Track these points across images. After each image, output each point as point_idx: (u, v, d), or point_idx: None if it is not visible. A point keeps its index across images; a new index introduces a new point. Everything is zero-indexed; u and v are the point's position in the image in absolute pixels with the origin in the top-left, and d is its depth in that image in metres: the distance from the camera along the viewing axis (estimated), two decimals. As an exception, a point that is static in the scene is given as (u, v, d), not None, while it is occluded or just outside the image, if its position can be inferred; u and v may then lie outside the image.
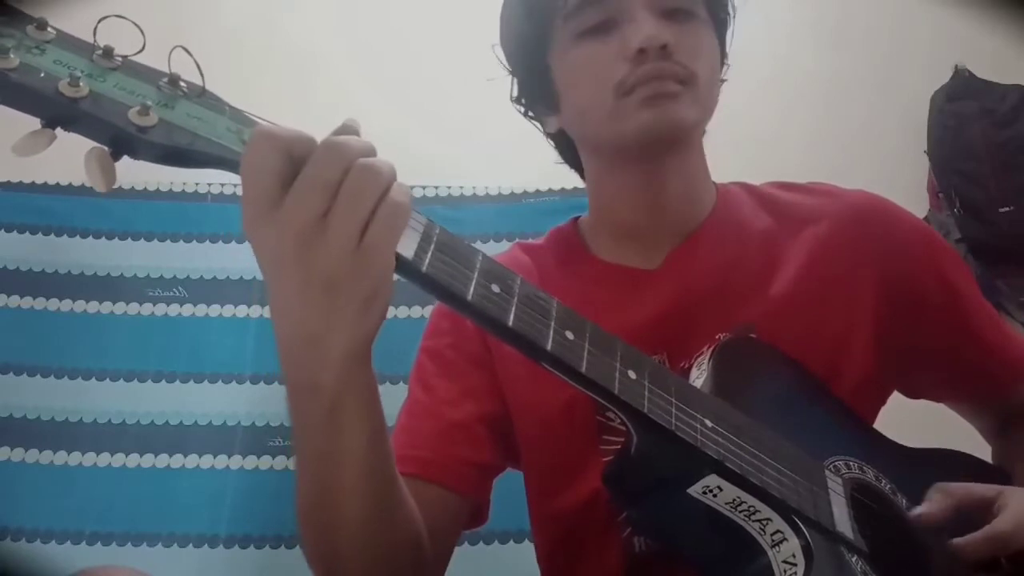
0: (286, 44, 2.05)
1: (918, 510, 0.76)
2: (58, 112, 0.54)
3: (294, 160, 0.55)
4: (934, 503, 0.76)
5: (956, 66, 2.11)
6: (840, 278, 0.90)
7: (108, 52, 0.56)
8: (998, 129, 2.03)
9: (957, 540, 0.74)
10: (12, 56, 0.52)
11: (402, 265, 0.58)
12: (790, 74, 2.03)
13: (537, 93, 0.96)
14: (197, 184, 1.81)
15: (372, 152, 0.57)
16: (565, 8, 0.87)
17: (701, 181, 0.96)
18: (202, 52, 0.59)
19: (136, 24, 0.57)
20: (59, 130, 0.55)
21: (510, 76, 0.99)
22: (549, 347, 0.61)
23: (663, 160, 0.89)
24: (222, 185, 1.82)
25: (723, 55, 0.94)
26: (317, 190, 0.54)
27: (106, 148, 0.56)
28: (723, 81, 0.96)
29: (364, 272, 0.56)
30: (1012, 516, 0.74)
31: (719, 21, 0.92)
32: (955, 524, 0.75)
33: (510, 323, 0.60)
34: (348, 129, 0.59)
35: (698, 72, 0.85)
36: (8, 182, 1.78)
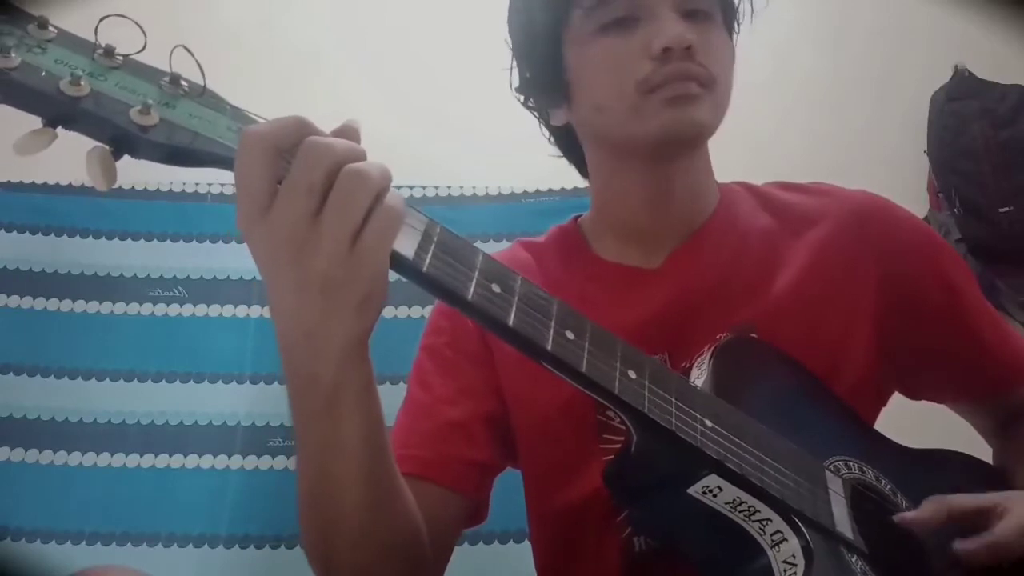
0: (286, 44, 2.05)
1: (901, 515, 0.76)
2: (59, 111, 0.54)
3: (285, 157, 0.55)
4: (924, 511, 0.75)
5: (956, 66, 2.10)
6: (841, 278, 0.90)
7: (109, 51, 0.56)
8: (998, 129, 2.03)
9: (958, 546, 0.73)
10: (13, 55, 0.52)
11: (402, 265, 0.58)
12: (790, 74, 2.03)
13: (547, 84, 0.94)
14: (197, 184, 1.81)
15: (359, 155, 0.57)
16: (588, 0, 0.87)
17: (706, 181, 0.96)
18: (202, 52, 0.59)
19: (137, 23, 0.57)
20: (60, 129, 0.55)
21: (511, 69, 0.98)
22: (549, 347, 0.61)
23: (674, 160, 0.90)
24: (222, 185, 1.82)
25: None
26: (301, 192, 0.55)
27: (107, 147, 0.56)
28: None
29: (358, 275, 0.56)
30: (1014, 524, 0.73)
31: (730, 25, 0.93)
32: (952, 532, 0.75)
33: (510, 323, 0.60)
34: (346, 131, 0.59)
35: (718, 75, 0.86)
36: (8, 182, 1.78)
